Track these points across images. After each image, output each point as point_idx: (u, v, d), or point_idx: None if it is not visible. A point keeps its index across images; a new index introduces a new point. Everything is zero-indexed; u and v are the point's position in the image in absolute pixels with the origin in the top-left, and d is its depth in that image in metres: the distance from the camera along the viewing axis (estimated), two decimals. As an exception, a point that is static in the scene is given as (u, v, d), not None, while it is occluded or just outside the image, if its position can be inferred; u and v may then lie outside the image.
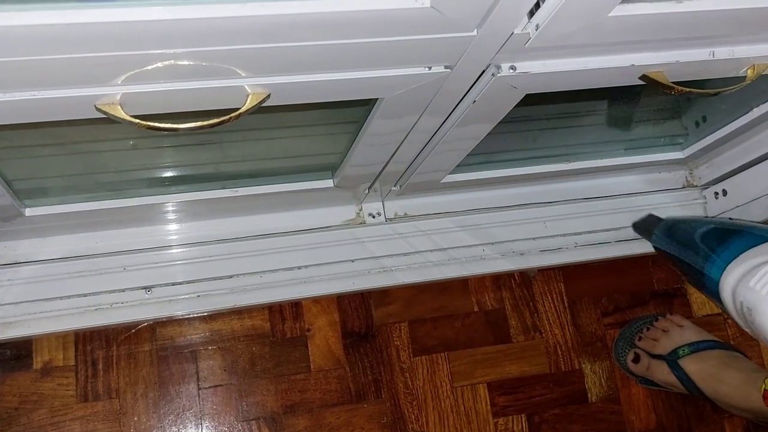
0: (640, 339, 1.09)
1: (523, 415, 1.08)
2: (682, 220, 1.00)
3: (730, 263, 0.80)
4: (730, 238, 0.83)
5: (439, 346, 1.07)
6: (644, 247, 1.07)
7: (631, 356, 1.08)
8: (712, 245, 0.85)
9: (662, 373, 1.06)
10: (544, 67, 0.60)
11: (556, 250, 1.09)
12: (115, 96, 0.52)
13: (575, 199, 1.10)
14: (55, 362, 0.95)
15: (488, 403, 1.07)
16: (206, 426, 0.97)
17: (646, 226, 1.03)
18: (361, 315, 1.06)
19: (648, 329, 1.10)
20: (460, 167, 0.88)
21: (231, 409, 0.98)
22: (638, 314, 1.15)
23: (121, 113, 0.53)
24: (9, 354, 0.94)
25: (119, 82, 0.50)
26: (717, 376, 1.02)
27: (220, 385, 0.99)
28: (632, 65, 0.61)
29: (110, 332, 0.97)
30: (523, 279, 1.13)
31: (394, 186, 0.95)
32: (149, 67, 0.49)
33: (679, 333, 1.07)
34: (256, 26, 0.46)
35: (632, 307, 1.16)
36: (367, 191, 0.96)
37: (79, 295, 0.92)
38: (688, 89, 0.64)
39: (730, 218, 1.09)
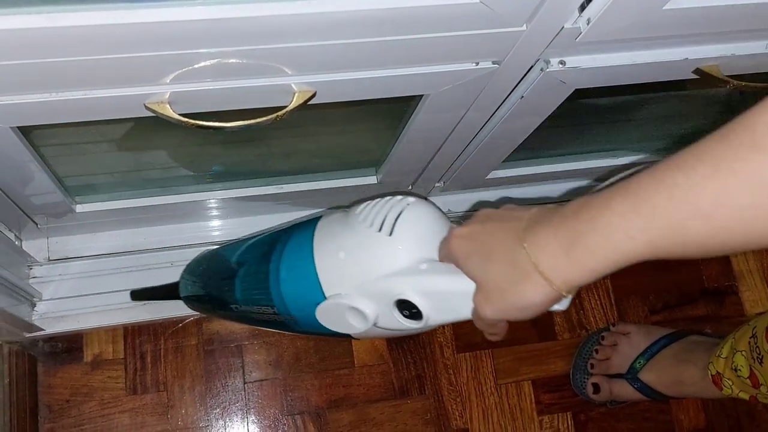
0: (592, 366, 1.04)
1: (568, 413, 1.06)
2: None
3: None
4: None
5: (483, 343, 1.06)
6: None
7: (590, 388, 1.03)
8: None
9: (626, 392, 1.02)
10: (595, 61, 0.58)
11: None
12: (164, 95, 0.52)
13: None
14: (105, 355, 0.97)
15: (533, 400, 1.06)
16: (252, 420, 0.98)
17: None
18: (404, 311, 1.05)
19: (597, 351, 1.04)
20: (505, 163, 0.87)
21: (276, 403, 0.99)
22: (687, 313, 1.13)
23: (169, 112, 0.53)
24: (61, 347, 0.96)
25: (168, 81, 0.51)
26: (677, 378, 0.99)
27: (266, 380, 1.00)
28: (686, 59, 0.60)
29: (158, 326, 0.98)
30: (569, 275, 1.11)
31: (438, 182, 0.94)
32: (197, 66, 0.49)
33: (628, 343, 1.03)
34: (303, 24, 0.46)
35: (681, 305, 1.13)
36: (410, 187, 0.95)
37: (128, 290, 0.94)
38: (743, 83, 0.62)
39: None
